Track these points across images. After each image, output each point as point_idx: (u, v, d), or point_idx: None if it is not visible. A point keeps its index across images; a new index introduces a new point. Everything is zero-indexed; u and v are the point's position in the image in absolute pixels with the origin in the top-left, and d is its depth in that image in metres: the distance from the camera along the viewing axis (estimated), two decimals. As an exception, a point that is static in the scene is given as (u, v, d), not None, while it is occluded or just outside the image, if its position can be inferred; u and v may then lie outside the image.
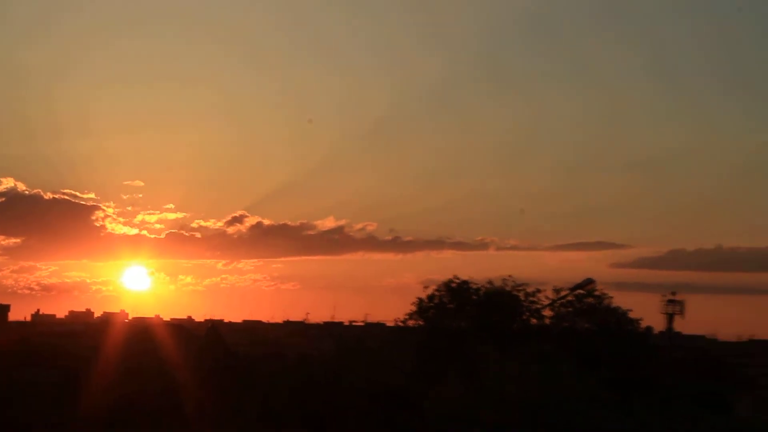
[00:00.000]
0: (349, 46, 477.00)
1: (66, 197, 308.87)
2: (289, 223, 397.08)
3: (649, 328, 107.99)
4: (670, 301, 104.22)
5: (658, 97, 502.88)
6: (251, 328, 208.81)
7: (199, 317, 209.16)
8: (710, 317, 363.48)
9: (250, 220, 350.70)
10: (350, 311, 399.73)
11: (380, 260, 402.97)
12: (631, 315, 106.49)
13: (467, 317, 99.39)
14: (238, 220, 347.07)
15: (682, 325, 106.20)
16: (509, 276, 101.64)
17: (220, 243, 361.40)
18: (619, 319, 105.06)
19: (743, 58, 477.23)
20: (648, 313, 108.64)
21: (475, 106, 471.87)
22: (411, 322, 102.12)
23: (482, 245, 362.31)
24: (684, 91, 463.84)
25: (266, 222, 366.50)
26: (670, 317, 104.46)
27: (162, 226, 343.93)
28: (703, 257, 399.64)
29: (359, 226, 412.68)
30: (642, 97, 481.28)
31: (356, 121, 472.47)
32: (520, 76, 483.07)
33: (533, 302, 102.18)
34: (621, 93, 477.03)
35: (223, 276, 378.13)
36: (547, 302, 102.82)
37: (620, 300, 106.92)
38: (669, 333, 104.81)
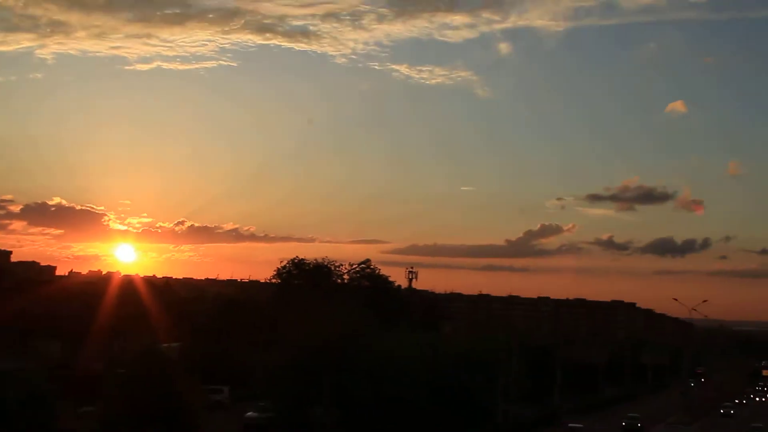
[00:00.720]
0: (239, 121, 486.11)
1: (87, 208, 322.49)
2: (209, 225, 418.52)
3: (399, 287, 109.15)
4: (410, 272, 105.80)
5: (429, 159, 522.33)
6: (188, 282, 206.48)
7: (159, 275, 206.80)
8: (432, 280, 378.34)
9: (188, 223, 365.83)
10: (242, 274, 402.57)
11: (258, 246, 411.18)
12: (391, 279, 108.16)
13: (303, 279, 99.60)
14: (181, 223, 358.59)
15: (416, 285, 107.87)
16: (326, 257, 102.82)
17: (171, 235, 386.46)
18: (384, 282, 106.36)
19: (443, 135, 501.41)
20: (399, 278, 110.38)
21: (317, 157, 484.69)
22: (274, 281, 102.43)
23: (312, 239, 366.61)
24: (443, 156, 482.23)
25: (197, 224, 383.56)
26: (410, 280, 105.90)
27: (140, 225, 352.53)
28: (428, 249, 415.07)
29: (246, 227, 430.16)
30: (419, 159, 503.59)
31: (244, 165, 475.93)
32: (346, 137, 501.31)
33: (339, 272, 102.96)
34: (406, 156, 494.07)
35: (173, 254, 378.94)
36: (345, 271, 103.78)
37: (384, 271, 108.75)
38: (409, 289, 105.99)
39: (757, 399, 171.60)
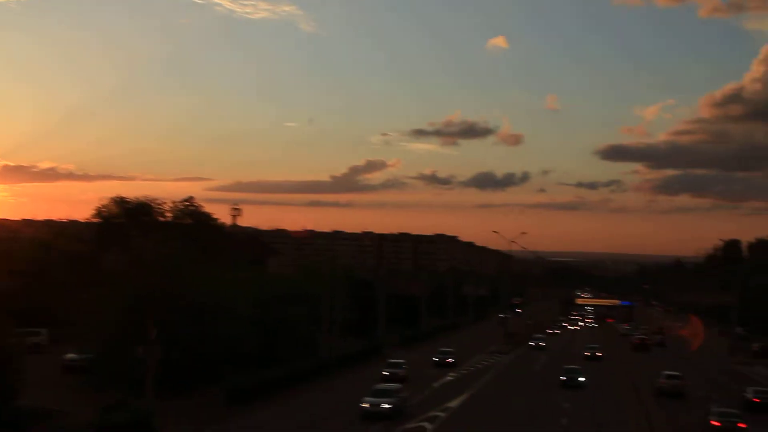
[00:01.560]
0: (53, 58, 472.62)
1: None
2: (24, 164, 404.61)
3: (222, 223, 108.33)
4: (234, 209, 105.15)
5: (253, 96, 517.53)
6: (2, 223, 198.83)
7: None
8: (257, 217, 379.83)
9: (0, 162, 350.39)
10: (60, 214, 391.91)
11: (76, 185, 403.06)
12: (214, 216, 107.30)
13: (125, 218, 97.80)
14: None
15: (241, 222, 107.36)
16: (147, 195, 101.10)
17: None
18: (208, 218, 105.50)
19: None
20: (224, 216, 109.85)
21: (138, 95, 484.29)
22: (93, 220, 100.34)
23: (133, 178, 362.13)
24: (267, 92, 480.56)
25: (10, 164, 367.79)
26: (234, 217, 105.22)
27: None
28: (253, 185, 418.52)
29: (64, 166, 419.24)
30: (242, 96, 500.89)
31: (60, 103, 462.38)
32: (168, 75, 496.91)
33: (161, 210, 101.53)
34: (230, 93, 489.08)
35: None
36: (168, 209, 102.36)
37: (209, 209, 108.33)
38: (234, 226, 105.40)
39: (570, 327, 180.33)
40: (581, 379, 74.33)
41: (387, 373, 70.91)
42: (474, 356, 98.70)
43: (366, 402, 52.93)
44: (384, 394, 54.02)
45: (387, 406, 52.24)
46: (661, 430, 55.97)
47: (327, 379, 71.75)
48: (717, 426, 50.87)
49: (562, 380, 74.42)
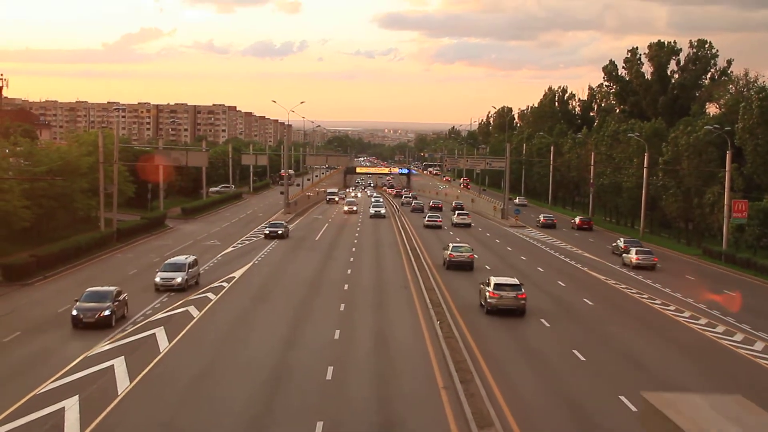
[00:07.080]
0: None
1: None
2: None
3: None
4: (0, 79, 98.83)
5: None
6: None
7: None
8: (25, 88, 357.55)
9: None
10: None
11: None
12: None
13: None
14: None
15: (8, 93, 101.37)
16: None
17: None
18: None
19: None
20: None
21: None
22: None
23: None
24: None
25: None
26: (0, 88, 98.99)
27: None
28: (20, 54, 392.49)
29: None
30: None
31: None
32: None
33: None
34: None
35: None
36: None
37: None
38: None
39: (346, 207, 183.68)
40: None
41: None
42: (254, 228, 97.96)
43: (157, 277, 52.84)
44: (176, 267, 53.34)
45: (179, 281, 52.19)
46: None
47: (109, 253, 70.49)
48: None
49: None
